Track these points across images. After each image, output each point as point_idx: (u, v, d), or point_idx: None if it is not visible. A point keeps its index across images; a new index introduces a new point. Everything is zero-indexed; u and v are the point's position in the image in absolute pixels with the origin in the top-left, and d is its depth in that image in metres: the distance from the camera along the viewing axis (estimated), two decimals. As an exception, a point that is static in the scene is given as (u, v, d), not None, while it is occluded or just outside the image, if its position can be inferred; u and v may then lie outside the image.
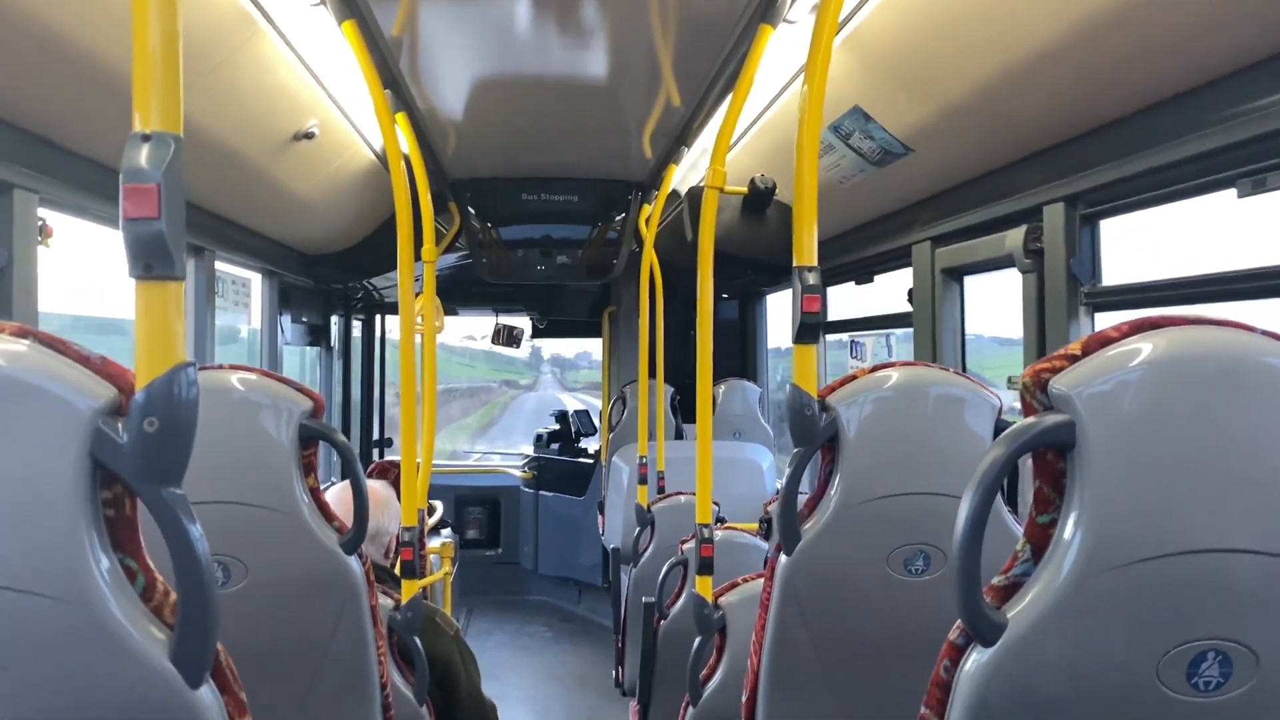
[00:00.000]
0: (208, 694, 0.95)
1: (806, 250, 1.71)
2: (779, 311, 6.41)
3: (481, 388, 28.80)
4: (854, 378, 1.71)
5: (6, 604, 0.88)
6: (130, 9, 0.94)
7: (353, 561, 1.79)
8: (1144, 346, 0.97)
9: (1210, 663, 0.96)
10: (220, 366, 1.78)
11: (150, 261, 0.90)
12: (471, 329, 8.95)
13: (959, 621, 1.03)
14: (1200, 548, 0.94)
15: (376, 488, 2.55)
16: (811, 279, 1.69)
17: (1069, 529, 0.97)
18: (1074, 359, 0.99)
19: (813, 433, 1.67)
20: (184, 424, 0.91)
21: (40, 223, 2.43)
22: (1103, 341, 0.99)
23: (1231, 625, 0.96)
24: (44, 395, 0.89)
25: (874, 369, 1.73)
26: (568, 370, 33.75)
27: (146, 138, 0.91)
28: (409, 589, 2.23)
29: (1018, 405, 1.05)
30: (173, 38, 0.93)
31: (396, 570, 2.49)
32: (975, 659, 1.00)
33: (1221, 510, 0.95)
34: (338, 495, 2.44)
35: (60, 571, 0.89)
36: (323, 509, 1.78)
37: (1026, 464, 1.04)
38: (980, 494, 0.98)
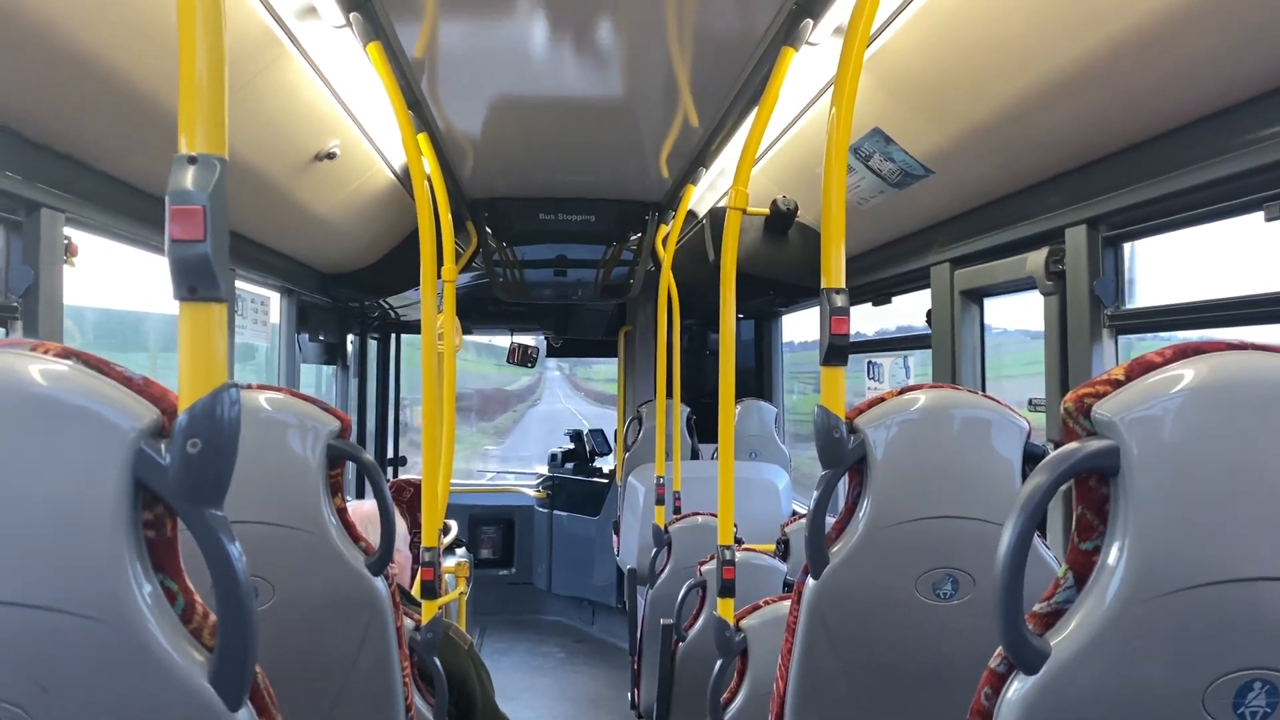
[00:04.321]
0: (246, 716, 0.94)
1: (835, 272, 1.71)
2: (793, 332, 6.43)
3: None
4: (882, 399, 1.71)
5: (48, 625, 0.88)
6: (173, 32, 0.95)
7: (379, 582, 1.79)
8: (1188, 372, 0.96)
9: (1257, 693, 0.95)
10: (248, 386, 1.78)
11: (195, 284, 0.91)
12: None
13: (1000, 649, 1.02)
14: (1247, 575, 0.93)
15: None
16: (839, 301, 1.69)
17: (1113, 555, 0.96)
18: (1117, 384, 0.99)
19: (841, 455, 1.66)
20: (226, 445, 0.91)
21: (66, 241, 2.44)
22: (1146, 366, 0.99)
23: (1278, 655, 0.94)
24: (87, 416, 0.90)
25: (901, 391, 1.72)
26: (578, 366, 26.91)
27: (193, 159, 0.91)
28: (429, 609, 2.23)
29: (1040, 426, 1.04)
30: (219, 60, 0.94)
31: (414, 591, 2.49)
32: (1018, 687, 0.99)
33: (1268, 538, 0.94)
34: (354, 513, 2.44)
35: (102, 593, 0.89)
36: (349, 529, 1.78)
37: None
38: (1024, 520, 0.97)
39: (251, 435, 1.69)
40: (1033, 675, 0.98)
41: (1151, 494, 0.95)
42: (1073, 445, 0.98)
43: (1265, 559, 0.93)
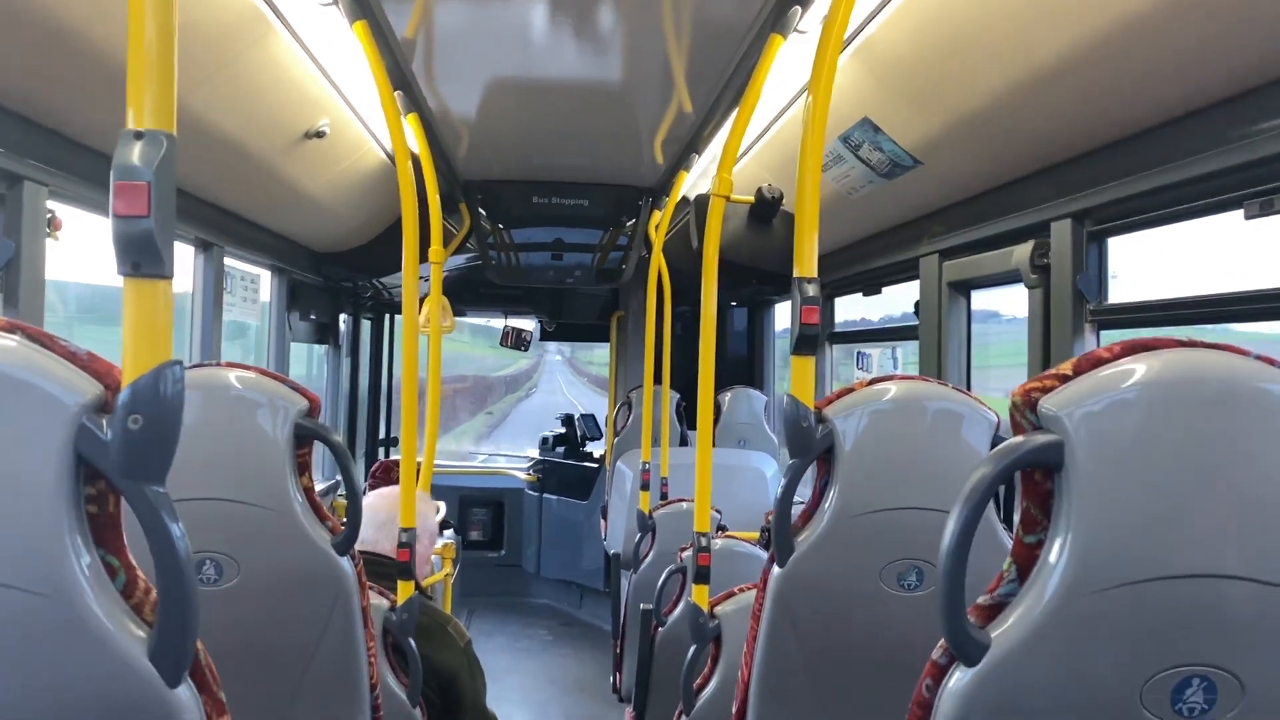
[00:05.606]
0: (185, 693, 0.94)
1: (807, 261, 1.70)
2: (787, 320, 6.41)
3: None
4: (852, 390, 1.71)
5: None
6: (127, 4, 0.94)
7: (344, 562, 1.79)
8: (1137, 368, 0.96)
9: (1195, 689, 0.95)
10: (218, 364, 1.78)
11: (139, 260, 0.90)
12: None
13: (942, 640, 1.03)
14: (1189, 573, 0.93)
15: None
16: (811, 290, 1.68)
17: (1055, 550, 0.96)
18: (1065, 379, 0.99)
19: (808, 444, 1.66)
20: (169, 422, 0.91)
21: (49, 215, 2.44)
22: (1094, 362, 0.99)
23: (1218, 652, 0.95)
24: (29, 390, 0.89)
25: (872, 382, 1.72)
26: (579, 350, 24.70)
27: (139, 135, 0.91)
28: (404, 590, 2.23)
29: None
30: (168, 35, 0.93)
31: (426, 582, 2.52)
32: (958, 678, 0.99)
33: (1211, 536, 0.94)
34: (380, 501, 2.52)
35: (40, 566, 0.89)
36: (316, 508, 1.78)
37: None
38: (967, 512, 0.97)
39: (219, 412, 1.70)
40: (972, 667, 0.98)
41: (1094, 489, 0.95)
42: (1018, 439, 0.98)
43: (1206, 556, 0.93)
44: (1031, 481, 0.99)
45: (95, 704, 0.92)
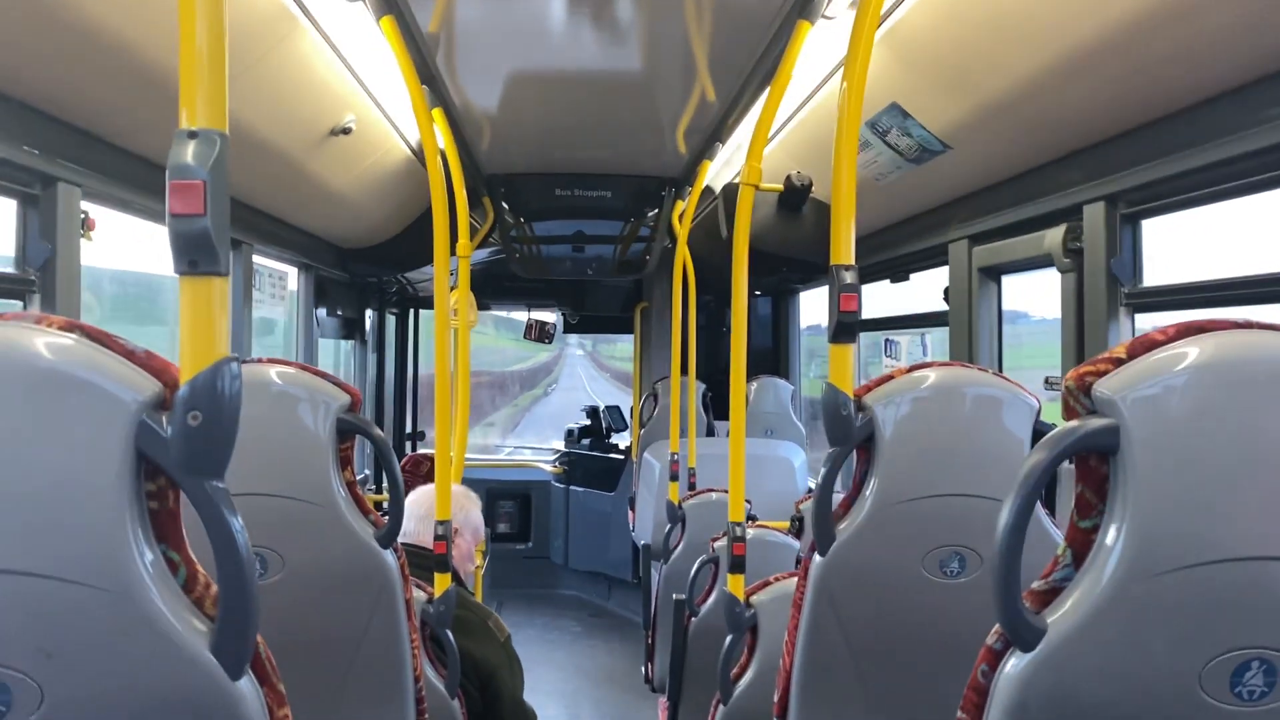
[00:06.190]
0: (247, 685, 0.95)
1: (844, 248, 1.70)
2: (812, 308, 6.39)
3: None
4: (890, 377, 1.70)
5: (52, 593, 0.89)
6: (176, 6, 0.95)
7: (388, 555, 1.80)
8: (1191, 350, 0.96)
9: (1254, 672, 0.94)
10: (259, 360, 1.80)
11: (195, 257, 0.91)
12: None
13: (997, 626, 1.02)
14: (1247, 555, 0.93)
15: (457, 492, 2.70)
16: (849, 277, 1.68)
17: (1111, 534, 0.96)
18: (1119, 362, 0.98)
19: (848, 432, 1.65)
20: (227, 418, 0.92)
21: (83, 216, 2.46)
22: (1148, 345, 0.98)
23: (1277, 634, 0.94)
24: (90, 389, 0.91)
25: (911, 369, 1.71)
26: (601, 343, 24.63)
27: (193, 134, 0.92)
28: (441, 582, 2.25)
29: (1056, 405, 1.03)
30: (219, 36, 0.94)
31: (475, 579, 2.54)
32: (1014, 664, 0.99)
33: (1269, 517, 0.93)
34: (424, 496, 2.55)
35: (105, 562, 0.90)
36: (359, 502, 1.79)
37: (1065, 468, 1.03)
38: (1022, 498, 0.97)
39: (262, 408, 1.71)
40: (1029, 653, 0.98)
41: (1151, 473, 0.94)
42: (1073, 423, 0.98)
43: (1265, 538, 0.93)
44: (1087, 466, 0.99)
45: (159, 697, 0.93)
